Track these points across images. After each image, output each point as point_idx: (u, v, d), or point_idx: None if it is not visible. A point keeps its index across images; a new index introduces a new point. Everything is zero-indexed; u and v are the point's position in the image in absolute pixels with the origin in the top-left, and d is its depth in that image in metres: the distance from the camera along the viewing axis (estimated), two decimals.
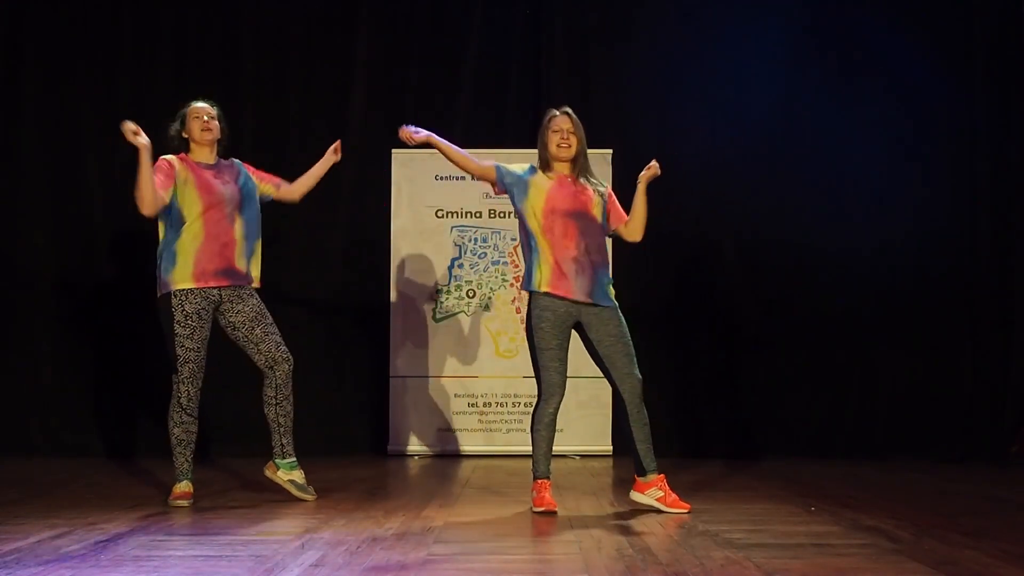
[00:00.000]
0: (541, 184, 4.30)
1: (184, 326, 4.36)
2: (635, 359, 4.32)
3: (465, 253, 6.58)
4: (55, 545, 3.46)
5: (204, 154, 4.52)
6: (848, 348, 6.64)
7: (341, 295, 6.69)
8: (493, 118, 6.88)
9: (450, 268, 6.57)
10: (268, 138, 6.68)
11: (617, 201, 4.46)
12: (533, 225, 4.27)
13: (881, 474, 5.70)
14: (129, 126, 4.27)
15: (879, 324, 6.63)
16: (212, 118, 4.54)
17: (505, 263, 6.56)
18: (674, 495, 4.25)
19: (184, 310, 4.35)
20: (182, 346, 4.36)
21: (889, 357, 6.63)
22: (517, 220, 4.40)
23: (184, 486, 4.43)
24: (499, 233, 6.55)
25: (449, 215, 6.58)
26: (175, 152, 4.52)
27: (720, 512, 4.24)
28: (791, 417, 6.60)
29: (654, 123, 6.73)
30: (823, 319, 6.63)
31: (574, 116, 4.36)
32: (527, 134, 6.79)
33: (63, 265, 6.62)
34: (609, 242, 4.53)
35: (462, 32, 6.86)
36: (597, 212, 4.32)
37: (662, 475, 4.30)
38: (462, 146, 6.62)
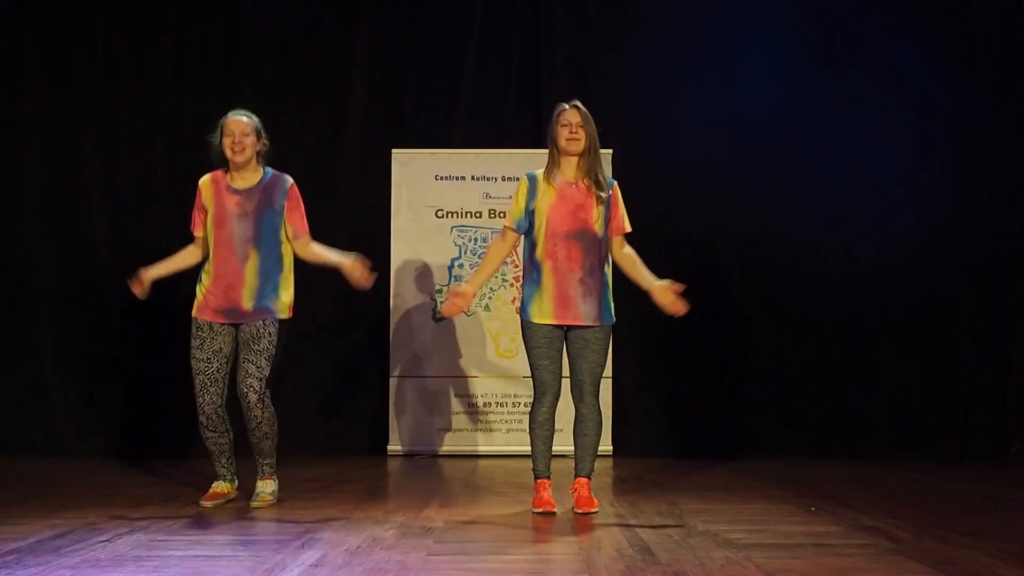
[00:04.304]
0: (544, 201, 4.25)
1: (195, 338, 4.40)
2: (601, 369, 4.29)
3: (465, 253, 6.57)
4: (55, 545, 3.46)
5: (238, 174, 4.40)
6: (848, 348, 6.64)
7: (341, 295, 6.67)
8: (493, 118, 6.88)
9: (450, 268, 6.57)
10: (268, 138, 6.66)
11: (621, 204, 4.37)
12: (542, 239, 4.25)
13: (881, 474, 5.70)
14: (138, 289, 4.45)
15: (879, 324, 6.63)
16: (245, 135, 4.35)
17: (505, 263, 6.55)
18: (587, 495, 4.24)
19: (197, 323, 4.41)
20: (193, 357, 4.39)
21: (889, 357, 6.63)
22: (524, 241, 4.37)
23: (219, 486, 4.45)
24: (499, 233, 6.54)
25: (449, 215, 6.58)
26: (219, 164, 4.44)
27: (720, 512, 4.24)
28: (791, 417, 6.60)
29: (654, 123, 6.74)
30: (823, 319, 6.63)
31: (584, 109, 4.29)
32: (527, 134, 6.81)
33: (63, 265, 6.62)
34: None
35: (462, 32, 6.85)
36: (599, 226, 4.26)
37: (584, 479, 4.28)
38: (462, 146, 6.72)
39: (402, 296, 6.52)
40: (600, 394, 4.35)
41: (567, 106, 4.32)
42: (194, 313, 4.41)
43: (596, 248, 4.26)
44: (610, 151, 6.52)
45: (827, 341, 6.63)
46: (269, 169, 4.48)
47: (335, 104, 6.78)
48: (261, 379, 4.34)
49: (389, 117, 6.83)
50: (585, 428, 4.28)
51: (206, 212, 4.39)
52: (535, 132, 6.85)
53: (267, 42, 6.78)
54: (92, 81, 6.70)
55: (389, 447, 6.46)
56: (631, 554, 3.34)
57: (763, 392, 6.64)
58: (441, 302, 6.52)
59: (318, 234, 6.63)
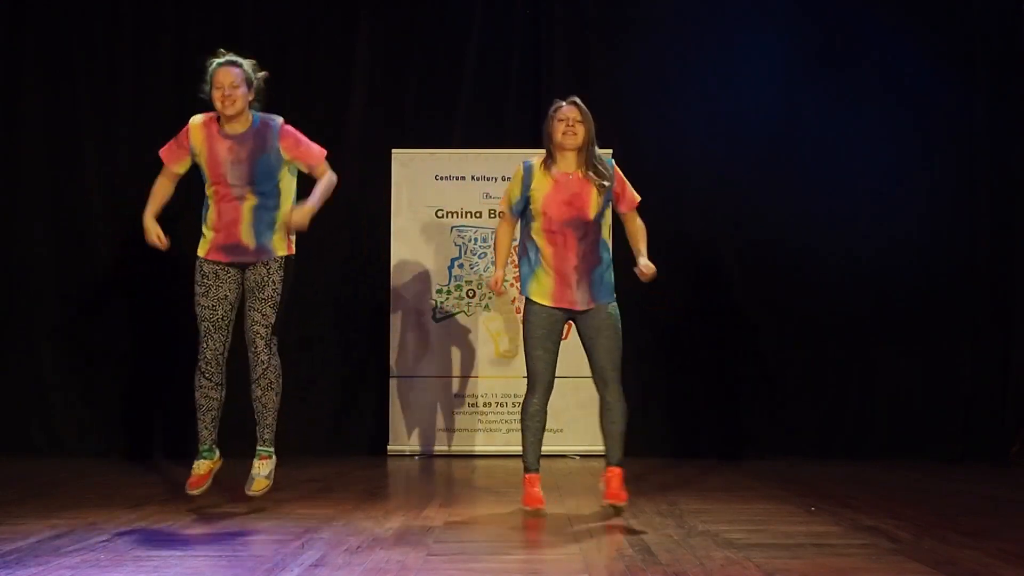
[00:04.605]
0: (539, 191, 4.26)
1: (200, 284, 4.35)
2: (618, 351, 4.27)
3: (465, 253, 6.58)
4: (55, 545, 3.47)
5: (230, 123, 4.30)
6: (848, 348, 6.64)
7: (341, 295, 6.69)
8: (493, 118, 6.88)
9: (450, 268, 6.56)
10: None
11: (626, 181, 4.39)
12: (536, 232, 4.28)
13: (881, 474, 5.70)
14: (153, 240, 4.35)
15: (879, 324, 6.63)
16: (235, 87, 4.23)
17: (506, 263, 6.54)
18: (619, 487, 4.22)
19: (202, 270, 4.35)
20: (197, 304, 4.34)
21: (889, 357, 6.63)
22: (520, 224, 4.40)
23: (200, 467, 4.33)
24: None
25: (449, 215, 6.58)
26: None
27: (720, 512, 4.24)
28: (791, 417, 6.60)
29: (654, 123, 6.73)
30: (823, 319, 6.63)
31: (581, 105, 4.28)
32: (527, 134, 6.81)
33: (63, 265, 6.62)
34: (610, 232, 4.47)
35: (462, 32, 6.85)
36: (595, 211, 4.25)
37: (616, 468, 4.26)
38: (462, 146, 6.72)
39: (402, 296, 6.52)
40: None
41: (564, 103, 4.32)
42: (199, 252, 4.36)
43: (592, 235, 4.28)
44: (610, 151, 6.49)
45: (827, 341, 6.63)
46: (257, 115, 4.37)
47: (335, 104, 6.78)
48: (267, 326, 4.32)
49: (389, 117, 6.83)
50: (612, 416, 4.25)
51: (189, 153, 4.33)
52: (535, 132, 6.82)
53: (267, 42, 6.76)
54: (92, 81, 6.69)
55: (389, 447, 6.46)
56: (631, 554, 3.34)
57: (763, 392, 6.64)
58: (441, 302, 6.52)
59: (318, 233, 6.68)
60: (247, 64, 4.34)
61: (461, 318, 6.52)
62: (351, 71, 6.78)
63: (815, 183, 6.69)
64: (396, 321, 6.50)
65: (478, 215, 6.58)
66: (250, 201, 4.32)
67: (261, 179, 4.31)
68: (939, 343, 6.62)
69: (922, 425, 6.56)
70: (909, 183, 6.69)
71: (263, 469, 4.38)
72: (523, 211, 4.33)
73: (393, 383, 6.47)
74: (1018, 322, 6.63)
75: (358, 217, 6.70)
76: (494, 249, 4.48)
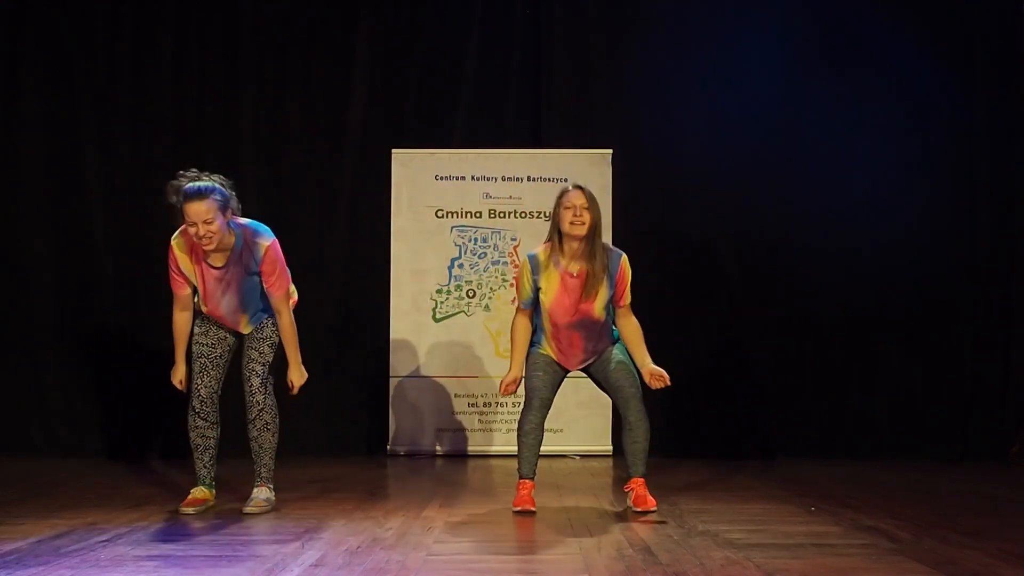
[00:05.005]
0: (547, 290, 4.25)
1: (200, 324, 4.38)
2: (632, 374, 4.28)
3: (465, 253, 6.57)
4: (55, 545, 3.46)
5: (212, 256, 4.18)
6: (848, 348, 6.64)
7: (341, 295, 6.69)
8: (493, 118, 6.88)
9: (450, 268, 6.56)
10: (268, 138, 6.69)
11: (628, 279, 4.30)
12: (544, 321, 4.30)
13: (881, 474, 5.70)
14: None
15: (879, 324, 6.63)
16: (208, 223, 3.99)
17: (505, 263, 6.56)
18: (643, 494, 4.22)
19: (202, 314, 4.39)
20: (196, 342, 4.37)
21: (889, 357, 6.63)
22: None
23: (198, 491, 4.35)
24: (499, 233, 6.55)
25: (449, 215, 6.58)
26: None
27: (720, 512, 4.24)
28: (791, 417, 6.60)
29: (654, 123, 6.73)
30: (823, 319, 6.63)
31: (587, 190, 4.25)
32: (527, 134, 6.83)
33: (63, 265, 6.62)
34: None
35: (462, 32, 6.85)
36: (601, 310, 4.24)
37: (639, 479, 4.26)
38: (462, 146, 6.71)
39: (402, 296, 6.52)
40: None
41: (571, 187, 4.27)
42: (198, 305, 4.38)
43: (599, 328, 4.29)
44: (610, 151, 6.54)
45: (827, 341, 6.63)
46: (239, 229, 4.19)
47: (335, 104, 6.78)
48: (264, 364, 4.34)
49: (389, 117, 6.83)
50: (636, 436, 4.24)
51: (185, 276, 4.25)
52: (535, 132, 6.86)
53: (267, 42, 6.77)
54: (92, 81, 6.69)
55: (389, 447, 6.46)
56: (631, 554, 3.34)
57: (763, 392, 6.64)
58: (441, 302, 6.52)
59: (318, 234, 6.69)
60: (218, 183, 4.12)
61: (461, 318, 6.52)
62: (351, 71, 6.78)
63: (815, 183, 6.69)
64: (396, 321, 6.50)
65: (478, 215, 6.58)
66: (245, 316, 4.34)
67: (250, 294, 4.29)
68: (939, 343, 6.62)
69: (922, 425, 6.56)
70: (909, 183, 6.69)
71: (261, 494, 4.37)
72: (538, 300, 4.29)
73: (393, 383, 6.47)
74: (1018, 322, 6.63)
75: (358, 217, 6.70)
76: (511, 343, 4.38)
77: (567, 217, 4.19)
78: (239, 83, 6.69)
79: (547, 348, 4.35)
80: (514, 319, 4.39)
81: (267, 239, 4.22)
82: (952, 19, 6.74)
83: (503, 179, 6.55)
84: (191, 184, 4.06)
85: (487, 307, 6.54)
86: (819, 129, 6.69)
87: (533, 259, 4.29)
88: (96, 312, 6.57)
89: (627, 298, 4.32)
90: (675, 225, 6.58)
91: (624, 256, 4.30)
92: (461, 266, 6.56)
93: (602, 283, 4.21)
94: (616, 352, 4.33)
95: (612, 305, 4.32)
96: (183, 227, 4.12)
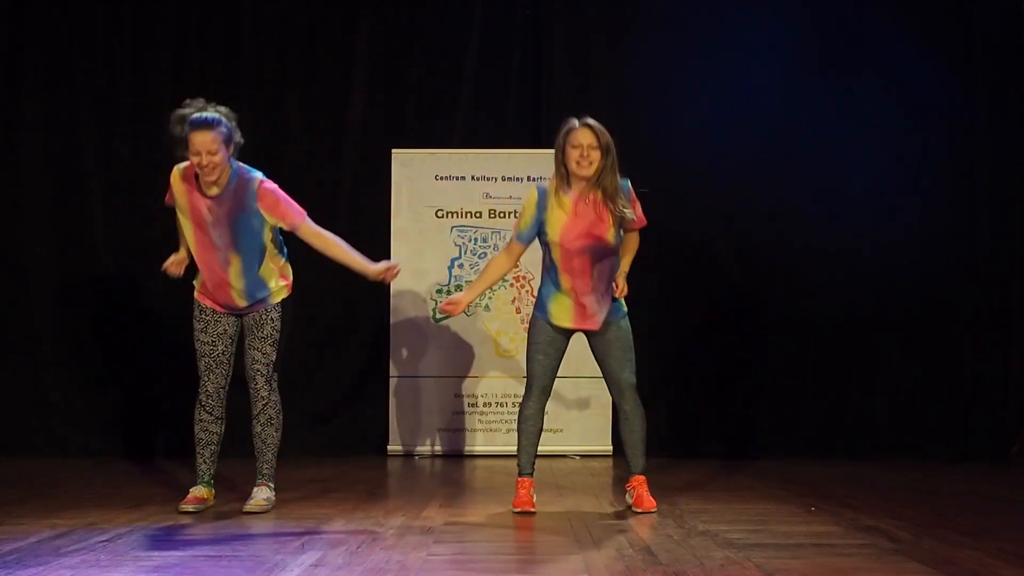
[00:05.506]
0: (556, 218, 4.13)
1: (199, 320, 4.35)
2: (631, 362, 4.30)
3: (465, 253, 6.57)
4: (55, 545, 3.47)
5: (208, 185, 4.10)
6: (848, 348, 6.64)
7: (341, 295, 6.68)
8: (493, 118, 6.88)
9: (450, 268, 6.56)
10: (268, 137, 6.68)
11: (638, 204, 4.25)
12: (555, 256, 4.19)
13: (881, 474, 5.70)
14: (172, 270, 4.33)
15: (879, 324, 6.63)
16: (212, 154, 3.98)
17: None
18: (643, 494, 4.23)
19: (201, 305, 4.36)
20: (197, 340, 4.35)
21: (889, 357, 6.63)
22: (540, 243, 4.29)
23: (198, 491, 4.34)
24: (499, 233, 6.54)
25: (449, 215, 6.58)
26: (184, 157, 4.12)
27: (720, 512, 4.24)
28: (791, 417, 6.60)
29: (654, 122, 6.72)
30: (823, 319, 6.63)
31: (596, 126, 4.07)
32: (527, 134, 6.82)
33: (63, 265, 6.61)
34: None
35: (462, 32, 6.85)
36: (613, 236, 4.15)
37: (639, 476, 4.28)
38: (462, 146, 6.71)
39: (402, 296, 6.52)
40: (629, 392, 4.30)
41: (577, 124, 4.10)
42: (196, 295, 4.36)
43: (610, 256, 4.21)
44: None
45: (827, 341, 6.63)
46: (235, 167, 4.15)
47: (335, 104, 6.78)
48: (268, 364, 4.33)
49: (389, 117, 6.83)
50: (631, 425, 4.26)
51: (175, 203, 4.23)
52: (535, 132, 6.85)
53: (267, 42, 6.77)
54: (92, 81, 6.69)
55: (389, 447, 6.46)
56: (631, 554, 3.34)
57: (763, 392, 6.64)
58: (440, 302, 6.52)
59: None
60: (224, 115, 4.09)
61: (461, 318, 6.51)
62: (351, 71, 6.78)
63: (815, 183, 6.68)
64: (396, 321, 6.50)
65: (478, 215, 6.58)
66: (235, 266, 4.20)
67: (243, 240, 4.17)
68: (939, 343, 6.62)
69: (922, 425, 6.56)
70: (909, 183, 6.69)
71: (261, 493, 4.36)
72: (541, 236, 4.21)
73: (393, 383, 6.47)
74: (1018, 322, 6.63)
75: (358, 217, 6.70)
76: (481, 273, 4.35)
77: (573, 156, 4.07)
78: (239, 83, 6.68)
79: (554, 307, 4.20)
80: (497, 255, 4.35)
81: (258, 175, 4.19)
82: (952, 19, 6.74)
83: (503, 179, 6.55)
84: (198, 114, 4.03)
85: (487, 307, 6.54)
86: (819, 129, 6.68)
87: (542, 192, 4.17)
88: (96, 312, 6.57)
89: (643, 219, 4.25)
90: (675, 225, 6.58)
91: (629, 183, 4.22)
92: (461, 266, 6.56)
93: (622, 216, 4.10)
94: (621, 332, 4.27)
95: (624, 231, 4.24)
96: (187, 163, 4.11)
